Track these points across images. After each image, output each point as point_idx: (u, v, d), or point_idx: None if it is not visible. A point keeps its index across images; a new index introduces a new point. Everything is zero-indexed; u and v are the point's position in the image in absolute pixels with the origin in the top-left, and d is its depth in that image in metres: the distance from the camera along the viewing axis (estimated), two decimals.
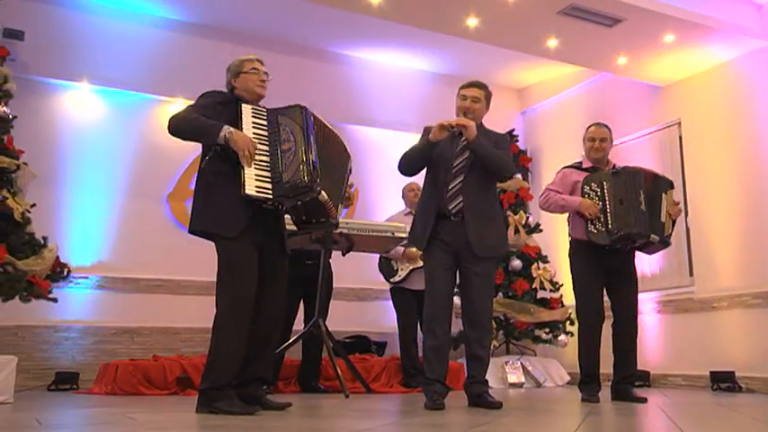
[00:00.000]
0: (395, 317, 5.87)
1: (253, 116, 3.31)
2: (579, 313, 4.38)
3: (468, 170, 3.67)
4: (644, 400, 4.11)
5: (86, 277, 5.92)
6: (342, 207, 3.58)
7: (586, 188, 4.30)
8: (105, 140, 6.25)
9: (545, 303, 6.77)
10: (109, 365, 4.93)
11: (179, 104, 6.49)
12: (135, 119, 6.40)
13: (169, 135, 3.27)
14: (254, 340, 3.34)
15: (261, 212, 3.31)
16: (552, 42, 5.78)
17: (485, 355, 3.66)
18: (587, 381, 4.29)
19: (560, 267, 7.32)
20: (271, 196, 3.21)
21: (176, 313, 6.20)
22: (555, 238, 7.50)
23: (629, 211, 4.15)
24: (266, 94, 3.51)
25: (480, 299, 3.66)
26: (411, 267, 5.53)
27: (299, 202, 3.31)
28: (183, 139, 3.32)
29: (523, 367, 6.48)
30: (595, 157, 4.45)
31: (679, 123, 6.53)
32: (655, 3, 5.22)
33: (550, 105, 8.04)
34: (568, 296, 7.06)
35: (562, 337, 6.72)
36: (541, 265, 6.88)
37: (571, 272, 4.43)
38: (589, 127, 4.57)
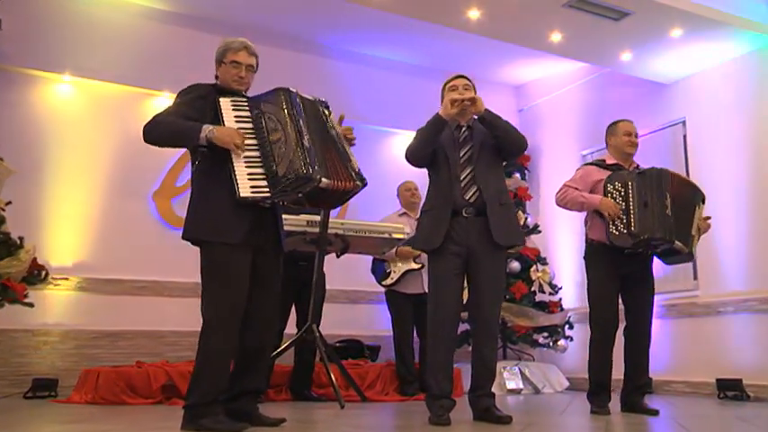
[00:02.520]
0: (389, 320, 5.64)
1: (234, 109, 3.05)
2: (593, 319, 4.15)
3: (476, 159, 3.48)
4: (656, 413, 3.90)
5: (67, 278, 5.63)
6: (349, 150, 3.21)
7: (609, 187, 4.06)
8: (87, 135, 5.96)
9: (543, 307, 6.57)
10: (90, 372, 4.66)
11: (165, 98, 6.24)
12: (119, 113, 6.09)
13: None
14: (246, 350, 3.11)
15: (258, 212, 3.07)
16: (556, 37, 5.57)
17: (494, 366, 3.44)
18: (597, 391, 4.08)
19: (559, 270, 7.15)
20: (269, 194, 2.96)
21: (161, 316, 5.92)
22: (554, 239, 7.30)
23: (654, 215, 3.92)
24: (250, 86, 3.25)
25: (493, 303, 3.44)
26: (404, 270, 5.30)
27: (301, 195, 3.01)
28: (161, 146, 3.09)
29: (522, 373, 6.28)
30: (631, 152, 4.24)
31: (684, 122, 6.33)
32: None
33: (548, 103, 7.82)
34: (567, 299, 6.92)
35: (562, 342, 6.52)
36: (540, 267, 6.68)
37: (587, 274, 4.22)
38: (618, 122, 4.34)
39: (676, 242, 3.94)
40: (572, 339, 6.62)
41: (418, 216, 5.59)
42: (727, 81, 5.98)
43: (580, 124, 7.33)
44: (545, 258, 6.82)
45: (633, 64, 6.04)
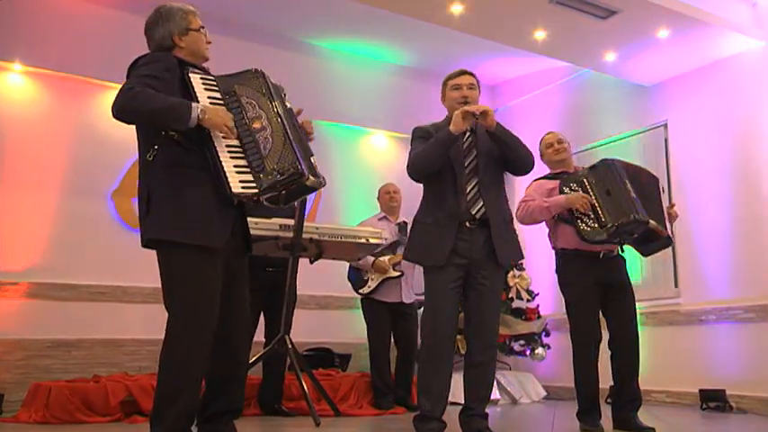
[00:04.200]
0: (359, 327, 5.38)
1: (205, 87, 2.65)
2: (574, 334, 3.91)
3: (482, 170, 3.26)
4: (651, 430, 3.70)
5: (15, 284, 5.21)
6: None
7: (566, 189, 3.88)
8: (40, 129, 5.53)
9: (521, 314, 6.37)
10: (40, 387, 4.27)
11: None
12: (75, 106, 5.69)
13: (115, 122, 2.56)
14: (220, 366, 2.72)
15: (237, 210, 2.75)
16: (540, 34, 5.36)
17: (491, 386, 3.21)
18: (588, 409, 3.86)
19: (535, 274, 6.95)
20: (257, 190, 2.57)
21: (120, 324, 5.55)
22: (530, 243, 7.09)
23: (620, 200, 3.74)
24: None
25: (493, 320, 3.24)
26: (382, 277, 5.05)
27: (284, 192, 2.66)
28: (137, 123, 2.63)
29: (498, 383, 6.07)
30: (559, 158, 4.09)
31: (665, 125, 6.19)
32: None
33: (524, 104, 7.63)
34: (544, 306, 6.74)
35: (540, 350, 6.32)
36: (517, 273, 6.47)
37: (561, 287, 4.00)
38: (543, 137, 4.24)
39: (651, 222, 3.76)
40: (549, 347, 6.44)
41: (398, 220, 5.37)
42: (710, 84, 5.85)
43: (557, 126, 7.09)
44: (522, 264, 6.62)
45: (616, 65, 5.88)
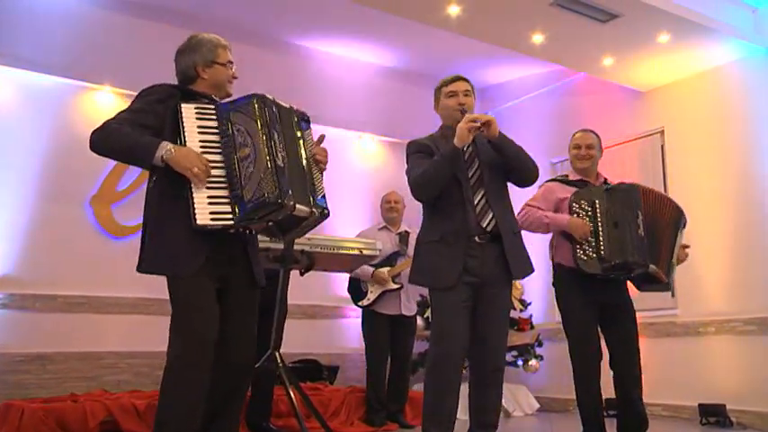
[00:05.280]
0: (346, 337, 5.22)
1: (198, 117, 2.60)
2: (574, 352, 3.74)
3: (487, 180, 3.06)
4: None
5: None
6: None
7: (575, 206, 3.68)
8: (15, 132, 5.26)
9: (513, 324, 6.20)
10: (12, 407, 3.98)
11: (105, 92, 5.62)
12: (53, 108, 5.43)
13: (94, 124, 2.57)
14: (218, 394, 2.65)
15: (223, 240, 2.62)
16: (538, 38, 5.20)
17: (499, 411, 3.02)
18: (591, 428, 3.70)
19: (527, 284, 6.79)
20: (231, 222, 2.53)
21: (99, 335, 5.31)
22: None
23: (626, 235, 3.55)
24: None
25: (503, 343, 3.06)
26: (381, 289, 4.86)
27: (270, 223, 2.59)
28: (111, 158, 2.70)
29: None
30: (581, 166, 3.87)
31: (662, 132, 6.06)
32: None
33: (515, 108, 7.48)
34: (536, 316, 6.58)
35: (534, 362, 6.17)
36: None
37: (558, 304, 3.84)
38: (575, 134, 3.98)
39: (651, 267, 3.59)
40: (542, 358, 6.29)
41: (399, 230, 5.18)
42: (708, 90, 5.74)
43: (549, 131, 6.99)
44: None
45: (613, 69, 5.74)
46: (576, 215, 3.67)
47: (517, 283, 6.32)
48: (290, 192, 2.51)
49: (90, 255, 5.34)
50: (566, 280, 3.78)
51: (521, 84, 7.39)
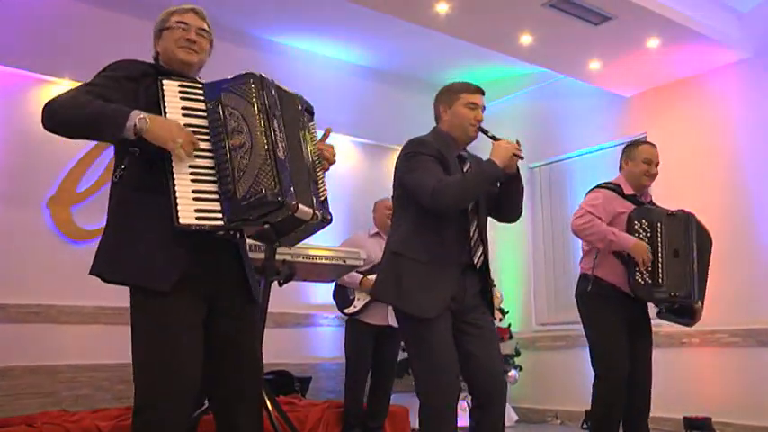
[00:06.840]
0: (318, 347, 4.94)
1: (182, 97, 2.19)
2: (606, 372, 3.55)
3: (481, 211, 2.84)
4: None
5: None
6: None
7: (636, 225, 3.50)
8: None
9: None
10: None
11: (65, 87, 5.21)
12: (6, 102, 5.03)
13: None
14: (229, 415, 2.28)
15: (209, 246, 2.22)
16: (526, 39, 5.04)
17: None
18: None
19: (504, 292, 6.63)
20: (221, 223, 2.11)
21: (56, 347, 4.93)
22: (497, 258, 6.77)
23: (685, 268, 3.43)
24: (203, 64, 2.44)
25: (500, 367, 2.89)
26: (368, 298, 4.63)
27: (267, 225, 2.20)
28: (69, 136, 2.14)
29: (469, 407, 5.70)
30: (648, 184, 3.69)
31: (645, 138, 5.94)
32: (650, 0, 4.58)
33: (492, 110, 7.26)
34: (514, 324, 6.44)
35: (513, 373, 6.00)
36: None
37: (590, 318, 3.65)
38: (639, 144, 3.76)
39: (698, 303, 3.48)
40: (521, 368, 6.14)
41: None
42: (692, 97, 5.67)
43: (529, 135, 6.81)
44: (492, 280, 6.28)
45: (599, 74, 5.62)
46: (635, 234, 3.49)
47: (496, 291, 6.15)
48: (292, 189, 2.14)
49: (47, 260, 4.97)
50: (603, 295, 3.59)
51: (497, 85, 7.20)
